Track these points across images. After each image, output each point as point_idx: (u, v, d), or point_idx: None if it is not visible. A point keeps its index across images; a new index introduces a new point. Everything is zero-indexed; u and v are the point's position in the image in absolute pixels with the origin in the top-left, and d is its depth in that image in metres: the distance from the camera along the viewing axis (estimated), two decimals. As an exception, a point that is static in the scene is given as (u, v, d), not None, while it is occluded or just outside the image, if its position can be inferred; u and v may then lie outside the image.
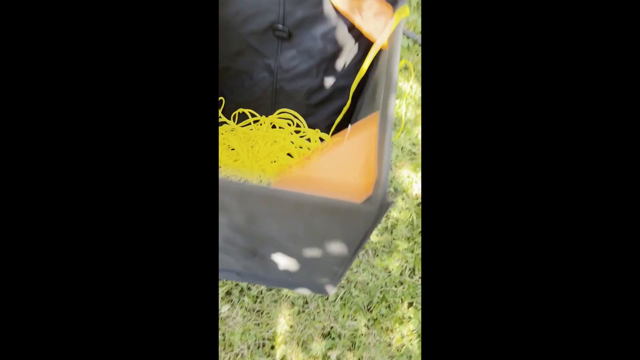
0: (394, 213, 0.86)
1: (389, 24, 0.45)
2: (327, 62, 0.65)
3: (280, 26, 0.56)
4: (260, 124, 0.82)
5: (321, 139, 0.81)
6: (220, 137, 0.80)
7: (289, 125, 0.80)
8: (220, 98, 0.80)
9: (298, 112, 0.79)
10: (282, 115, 0.80)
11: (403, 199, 0.87)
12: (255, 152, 0.80)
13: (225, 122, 0.82)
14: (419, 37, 1.00)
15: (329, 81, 0.70)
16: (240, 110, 0.80)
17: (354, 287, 0.82)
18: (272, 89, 0.74)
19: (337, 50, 0.60)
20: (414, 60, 1.04)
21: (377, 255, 0.85)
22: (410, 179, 0.89)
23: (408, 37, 1.01)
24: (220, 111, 0.81)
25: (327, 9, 0.51)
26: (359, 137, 0.41)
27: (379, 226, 0.86)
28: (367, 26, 0.49)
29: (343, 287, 0.82)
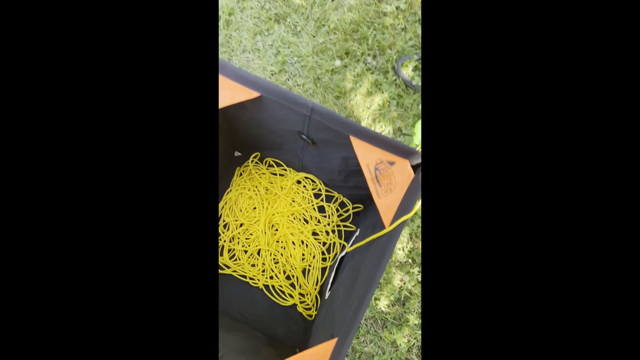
0: (408, 285, 0.85)
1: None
2: (348, 172, 0.68)
3: (304, 136, 0.61)
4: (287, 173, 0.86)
5: (341, 205, 0.83)
6: (249, 179, 0.85)
7: (312, 183, 0.84)
8: (256, 153, 0.86)
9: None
10: (308, 176, 0.83)
11: (419, 272, 0.86)
12: (274, 205, 0.83)
13: (257, 163, 0.87)
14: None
15: (351, 181, 0.73)
16: (271, 159, 0.85)
17: (358, 358, 0.80)
18: (299, 163, 0.78)
19: (359, 170, 0.63)
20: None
21: (386, 327, 0.83)
22: (429, 252, 0.88)
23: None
24: (256, 159, 0.86)
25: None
26: None
27: (392, 297, 0.84)
28: (379, 200, 0.50)
29: (347, 355, 0.80)
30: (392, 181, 0.50)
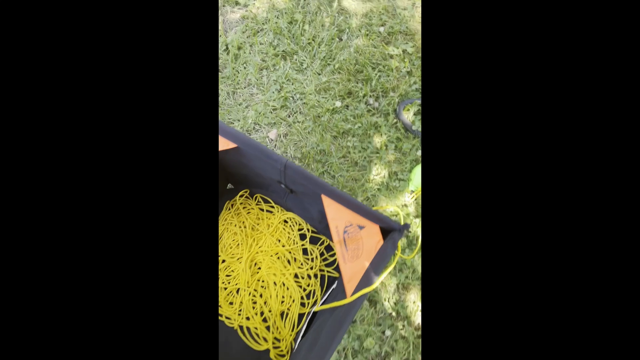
0: (391, 340, 0.81)
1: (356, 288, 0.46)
2: (327, 223, 0.67)
3: (283, 185, 0.61)
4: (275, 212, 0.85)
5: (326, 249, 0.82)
6: (237, 214, 0.85)
7: (299, 224, 0.83)
8: (245, 189, 0.86)
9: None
10: (295, 217, 0.82)
11: (403, 327, 0.82)
12: (259, 242, 0.82)
13: (247, 198, 0.86)
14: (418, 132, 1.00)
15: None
16: (260, 196, 0.85)
17: (329, 414, 0.76)
18: (285, 205, 0.78)
19: None
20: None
21: (363, 382, 0.79)
22: (415, 306, 0.84)
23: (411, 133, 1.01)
24: (246, 194, 0.87)
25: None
26: None
27: (372, 351, 0.81)
28: (344, 266, 0.49)
29: (318, 410, 0.76)
30: (359, 246, 0.48)
